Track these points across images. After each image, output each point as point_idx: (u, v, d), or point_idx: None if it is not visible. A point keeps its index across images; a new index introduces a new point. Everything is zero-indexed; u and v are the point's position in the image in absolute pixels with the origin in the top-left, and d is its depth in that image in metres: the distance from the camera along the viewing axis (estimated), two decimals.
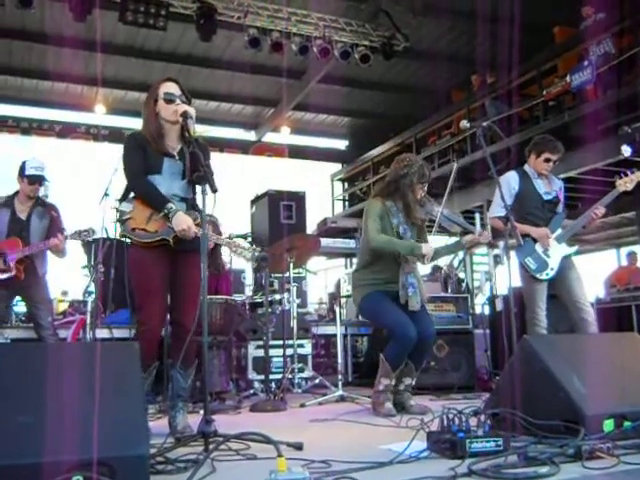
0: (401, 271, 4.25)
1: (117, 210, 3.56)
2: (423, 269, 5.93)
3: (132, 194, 3.49)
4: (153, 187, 3.39)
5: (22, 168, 5.09)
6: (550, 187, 4.78)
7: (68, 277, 7.93)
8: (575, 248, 4.74)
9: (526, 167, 4.82)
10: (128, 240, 3.45)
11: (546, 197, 4.73)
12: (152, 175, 3.42)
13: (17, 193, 5.17)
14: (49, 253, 5.14)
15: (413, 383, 4.40)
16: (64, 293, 9.54)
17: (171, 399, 3.52)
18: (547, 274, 4.56)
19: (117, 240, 5.67)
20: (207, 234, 3.16)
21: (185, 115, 3.31)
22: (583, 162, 7.80)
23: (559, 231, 4.65)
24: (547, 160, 4.70)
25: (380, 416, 4.03)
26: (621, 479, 2.20)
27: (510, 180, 4.74)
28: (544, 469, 2.23)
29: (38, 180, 5.10)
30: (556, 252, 4.61)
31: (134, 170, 3.43)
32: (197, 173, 3.16)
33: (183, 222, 3.31)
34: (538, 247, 4.60)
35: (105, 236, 5.69)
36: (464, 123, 4.38)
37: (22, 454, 1.94)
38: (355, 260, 4.75)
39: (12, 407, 2.06)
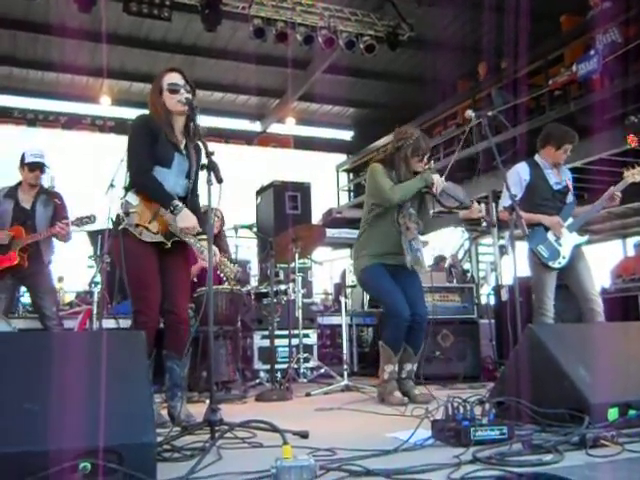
0: (404, 238, 4.22)
1: (122, 199, 3.48)
2: (426, 260, 5.95)
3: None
4: (158, 184, 3.34)
5: (22, 158, 5.18)
6: (560, 177, 4.78)
7: (69, 267, 7.97)
8: (586, 237, 4.76)
9: (537, 158, 4.81)
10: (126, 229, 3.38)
11: (556, 187, 4.74)
12: (161, 167, 3.38)
13: (20, 184, 5.22)
14: (55, 239, 5.19)
15: (414, 369, 4.41)
16: (60, 279, 9.56)
17: (169, 389, 3.52)
18: (559, 263, 4.59)
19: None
20: (212, 226, 3.15)
21: (189, 103, 3.30)
22: (589, 152, 7.75)
23: (570, 220, 4.67)
24: (566, 151, 4.72)
25: (391, 406, 4.02)
26: (625, 467, 2.20)
27: (520, 171, 4.75)
28: (548, 457, 2.24)
29: (38, 166, 5.16)
30: (568, 241, 4.63)
31: (141, 164, 3.37)
32: (202, 162, 3.15)
33: (188, 220, 3.31)
34: (550, 235, 4.62)
35: (111, 227, 5.70)
36: (469, 113, 4.37)
37: (30, 441, 1.96)
38: None
39: (20, 395, 2.08)
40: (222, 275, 3.66)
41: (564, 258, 4.60)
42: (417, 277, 4.45)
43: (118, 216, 3.43)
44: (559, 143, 4.71)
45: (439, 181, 4.16)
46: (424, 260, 4.35)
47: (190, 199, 3.55)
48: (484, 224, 4.44)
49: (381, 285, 4.33)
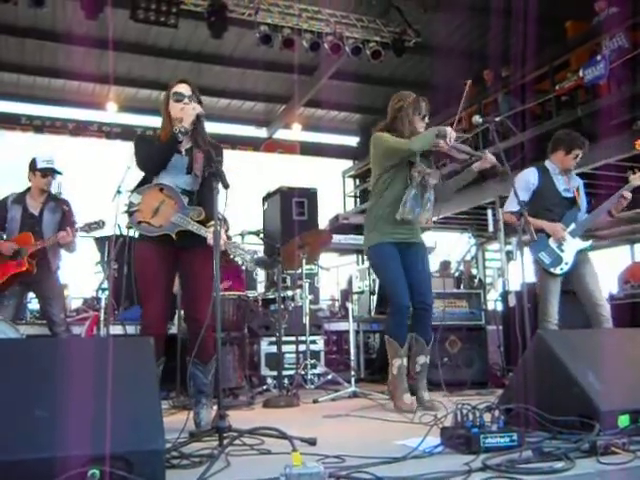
0: (409, 187, 4.19)
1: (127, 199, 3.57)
2: (432, 265, 5.93)
3: (143, 186, 3.50)
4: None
5: (33, 163, 5.17)
6: (569, 184, 4.77)
7: (76, 273, 7.96)
8: (590, 242, 4.73)
9: (547, 163, 4.80)
10: (134, 233, 3.54)
11: (565, 194, 4.73)
12: None
13: (28, 190, 5.23)
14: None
15: (428, 362, 4.35)
16: (64, 286, 9.55)
17: (193, 396, 3.57)
18: (561, 269, 4.57)
19: (130, 237, 5.70)
20: (219, 231, 3.15)
21: (198, 118, 3.39)
22: (596, 157, 7.73)
23: (573, 226, 4.65)
24: (576, 156, 4.70)
25: (401, 411, 4.00)
26: (637, 475, 2.19)
27: (529, 176, 4.75)
28: (559, 464, 2.22)
29: (50, 172, 5.17)
30: (570, 247, 4.60)
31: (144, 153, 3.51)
32: (209, 169, 3.18)
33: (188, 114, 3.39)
34: (552, 242, 4.60)
35: (118, 233, 5.71)
36: (476, 118, 4.36)
37: (39, 448, 1.95)
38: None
39: (29, 402, 2.08)
40: (237, 260, 3.63)
41: (567, 264, 4.58)
42: (425, 259, 4.40)
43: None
44: (568, 148, 4.70)
45: (452, 132, 4.11)
46: (426, 213, 4.20)
47: (201, 192, 3.53)
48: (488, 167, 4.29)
49: (386, 270, 4.30)
